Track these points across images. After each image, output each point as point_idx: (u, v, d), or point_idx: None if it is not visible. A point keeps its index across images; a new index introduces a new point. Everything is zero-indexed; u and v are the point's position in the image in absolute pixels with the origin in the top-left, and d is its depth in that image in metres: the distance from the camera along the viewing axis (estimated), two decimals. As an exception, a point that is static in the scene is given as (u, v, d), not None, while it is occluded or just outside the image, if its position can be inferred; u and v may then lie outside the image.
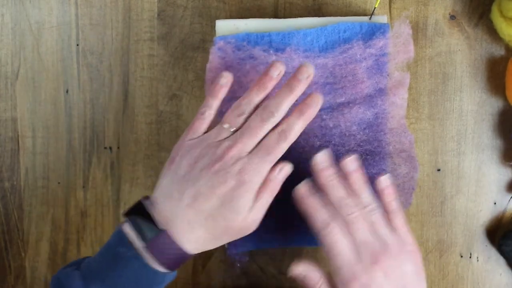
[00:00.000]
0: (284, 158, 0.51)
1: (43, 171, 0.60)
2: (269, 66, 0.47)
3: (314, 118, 0.51)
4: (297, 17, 0.54)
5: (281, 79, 0.47)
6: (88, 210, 0.60)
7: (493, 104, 0.57)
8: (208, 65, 0.52)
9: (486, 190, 0.57)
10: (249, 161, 0.44)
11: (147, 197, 0.46)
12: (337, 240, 0.45)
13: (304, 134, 0.52)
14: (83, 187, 0.60)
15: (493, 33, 0.55)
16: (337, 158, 0.53)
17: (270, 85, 0.47)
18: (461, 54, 0.56)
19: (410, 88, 0.55)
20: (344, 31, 0.51)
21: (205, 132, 0.47)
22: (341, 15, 0.56)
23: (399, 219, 0.48)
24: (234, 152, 0.44)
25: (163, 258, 0.44)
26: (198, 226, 0.44)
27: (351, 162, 0.47)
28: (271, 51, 0.52)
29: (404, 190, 0.54)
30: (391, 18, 0.56)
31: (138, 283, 0.44)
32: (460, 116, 0.57)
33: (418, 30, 0.56)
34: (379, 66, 0.51)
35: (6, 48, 0.59)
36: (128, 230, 0.45)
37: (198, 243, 0.45)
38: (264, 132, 0.45)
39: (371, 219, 0.46)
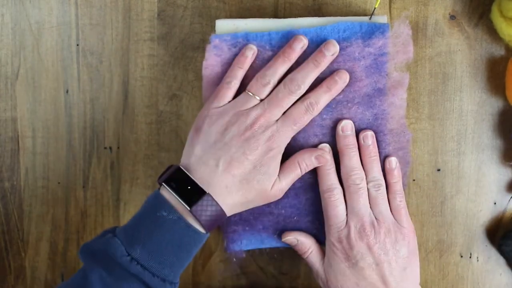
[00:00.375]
0: (284, 156, 0.52)
1: (43, 171, 0.60)
2: (293, 38, 0.50)
3: (314, 117, 0.52)
4: (297, 17, 0.54)
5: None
6: (88, 210, 0.60)
7: (493, 104, 0.57)
8: (204, 63, 0.52)
9: (486, 190, 0.57)
10: (278, 130, 0.48)
11: (177, 166, 0.48)
12: (337, 204, 0.50)
13: (303, 133, 0.52)
14: (83, 187, 0.60)
15: (493, 33, 0.55)
16: (337, 155, 0.53)
17: (293, 56, 0.50)
18: (461, 54, 0.56)
19: (410, 88, 0.55)
20: (344, 31, 0.51)
21: (230, 101, 0.50)
22: (341, 15, 0.56)
23: (399, 201, 0.51)
24: (262, 121, 0.48)
25: (205, 220, 0.46)
26: (235, 190, 0.48)
27: (369, 137, 0.51)
28: (267, 47, 0.52)
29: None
30: (391, 18, 0.56)
31: (180, 245, 0.46)
32: (460, 116, 0.57)
33: (418, 30, 0.56)
34: (378, 66, 0.51)
35: (6, 48, 0.59)
36: (168, 194, 0.47)
37: (234, 205, 0.48)
38: (291, 103, 0.49)
39: (374, 194, 0.50)
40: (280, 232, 0.54)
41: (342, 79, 0.50)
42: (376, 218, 0.50)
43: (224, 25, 0.53)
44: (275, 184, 0.49)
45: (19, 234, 0.61)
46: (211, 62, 0.52)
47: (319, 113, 0.52)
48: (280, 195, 0.50)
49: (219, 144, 0.48)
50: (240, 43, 0.52)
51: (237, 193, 0.48)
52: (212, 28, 0.56)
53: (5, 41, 0.59)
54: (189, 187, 0.47)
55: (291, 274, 0.60)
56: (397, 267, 0.49)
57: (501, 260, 0.58)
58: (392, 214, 0.51)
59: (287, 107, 0.49)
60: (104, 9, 0.58)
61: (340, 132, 0.51)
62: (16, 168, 0.60)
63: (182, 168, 0.48)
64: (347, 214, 0.50)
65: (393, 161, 0.51)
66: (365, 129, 0.52)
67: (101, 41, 0.58)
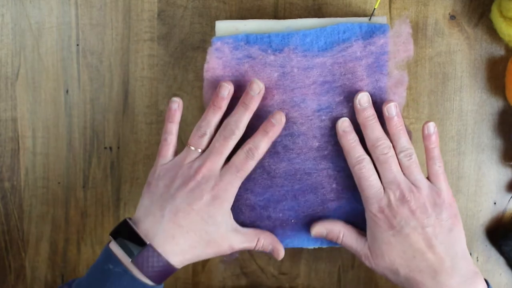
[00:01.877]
0: (283, 159, 0.52)
1: (43, 171, 0.60)
2: (218, 87, 0.51)
3: (312, 120, 0.52)
4: (297, 17, 0.54)
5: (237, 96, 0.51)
6: (88, 210, 0.60)
7: (493, 104, 0.57)
8: (205, 66, 0.52)
9: (486, 190, 0.57)
10: (222, 178, 0.48)
11: (130, 218, 0.49)
12: (369, 174, 0.49)
13: (303, 135, 0.52)
14: (83, 187, 0.60)
15: (493, 33, 0.55)
16: (337, 158, 0.53)
17: (223, 104, 0.50)
18: (461, 54, 0.56)
19: (410, 88, 0.55)
20: (344, 32, 0.51)
21: (175, 156, 0.51)
22: (341, 15, 0.56)
23: (438, 166, 0.50)
24: (204, 171, 0.48)
25: (150, 271, 0.47)
26: (182, 240, 0.48)
27: (392, 108, 0.50)
28: (269, 51, 0.52)
29: None
30: (391, 18, 0.56)
31: None
32: (460, 116, 0.57)
33: (418, 30, 0.56)
34: (379, 65, 0.51)
35: (6, 48, 0.59)
36: (115, 247, 0.48)
37: (183, 256, 0.48)
38: (230, 149, 0.49)
39: (407, 163, 0.49)
40: (280, 233, 0.54)
41: (278, 122, 0.50)
42: (413, 184, 0.49)
43: (223, 27, 0.53)
44: (227, 237, 0.49)
45: (19, 234, 0.61)
46: (213, 65, 0.52)
47: (317, 115, 0.52)
48: (229, 251, 0.50)
49: (165, 196, 0.48)
50: (241, 45, 0.52)
51: (185, 244, 0.48)
52: (212, 28, 0.56)
53: (5, 41, 0.59)
54: (132, 239, 0.47)
55: (291, 274, 0.60)
56: (441, 231, 0.48)
57: (501, 260, 0.58)
58: (430, 179, 0.50)
59: (227, 154, 0.49)
60: (104, 9, 0.58)
61: (358, 106, 0.50)
62: (16, 168, 0.60)
63: (129, 220, 0.49)
64: (382, 185, 0.49)
65: (431, 126, 0.50)
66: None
67: (101, 41, 0.58)
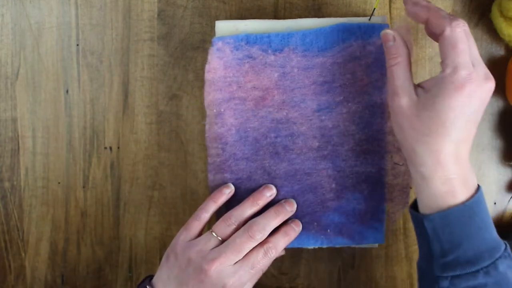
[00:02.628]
0: (283, 160, 0.51)
1: (43, 171, 0.60)
2: (264, 186, 0.53)
3: (312, 120, 0.52)
4: (297, 17, 0.54)
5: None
6: (88, 210, 0.60)
7: (493, 104, 0.57)
8: (207, 66, 0.52)
9: (486, 190, 0.57)
10: (234, 274, 0.48)
11: (151, 277, 0.52)
12: (463, 38, 0.44)
13: (302, 135, 0.52)
14: (83, 187, 0.60)
15: (493, 33, 0.55)
16: (337, 158, 0.53)
17: (262, 202, 0.52)
18: (461, 54, 0.56)
19: (410, 88, 0.55)
20: (343, 32, 0.51)
21: (199, 234, 0.52)
22: (341, 15, 0.56)
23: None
24: (217, 265, 0.48)
25: None
26: None
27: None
28: (270, 51, 0.52)
29: (403, 189, 0.54)
30: (391, 18, 0.56)
31: None
32: (460, 116, 0.57)
33: (418, 30, 0.56)
34: (378, 64, 0.51)
35: (6, 48, 0.59)
36: None
37: None
38: (249, 248, 0.49)
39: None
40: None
41: (298, 227, 0.52)
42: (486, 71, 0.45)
43: (223, 26, 0.53)
44: None
45: (19, 234, 0.61)
46: (214, 65, 0.52)
47: (317, 115, 0.52)
48: None
49: (180, 278, 0.49)
50: (242, 46, 0.52)
51: None
52: (212, 28, 0.56)
53: (5, 41, 0.59)
54: None
55: (291, 274, 0.60)
56: None
57: (501, 260, 0.58)
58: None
59: (245, 253, 0.49)
60: (104, 9, 0.58)
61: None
62: (16, 168, 0.60)
63: (148, 283, 0.51)
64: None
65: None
66: (365, 127, 0.52)
67: (101, 41, 0.58)
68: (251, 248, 0.49)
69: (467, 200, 0.44)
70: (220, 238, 0.50)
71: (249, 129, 0.53)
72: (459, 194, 0.44)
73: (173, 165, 0.59)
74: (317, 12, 0.56)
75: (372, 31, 0.51)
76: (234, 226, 0.51)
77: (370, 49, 0.51)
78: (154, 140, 0.59)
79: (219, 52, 0.52)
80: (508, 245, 0.45)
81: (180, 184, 0.59)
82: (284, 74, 0.52)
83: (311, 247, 0.55)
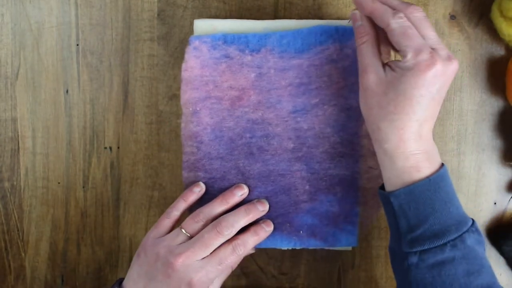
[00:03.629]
0: (258, 160, 0.52)
1: (43, 171, 0.60)
2: (236, 185, 0.53)
3: (287, 121, 0.52)
4: (297, 17, 0.54)
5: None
6: (88, 210, 0.60)
7: (493, 104, 0.57)
8: (183, 65, 0.52)
9: (486, 190, 0.57)
10: (201, 269, 0.48)
11: (121, 280, 0.52)
12: (407, 25, 0.44)
13: (277, 137, 0.52)
14: (83, 187, 0.60)
15: (493, 33, 0.55)
16: (311, 160, 0.53)
17: (232, 201, 0.52)
18: (461, 54, 0.56)
19: (410, 88, 0.55)
20: (321, 34, 0.51)
21: (170, 231, 0.52)
22: (341, 15, 0.56)
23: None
24: (184, 259, 0.48)
25: None
26: None
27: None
28: (247, 51, 0.52)
29: (376, 193, 0.53)
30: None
31: None
32: (460, 116, 0.57)
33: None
34: (355, 67, 0.51)
35: (6, 48, 0.59)
36: None
37: None
38: (217, 244, 0.49)
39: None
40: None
41: (269, 228, 0.52)
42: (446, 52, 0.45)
43: (202, 25, 0.53)
44: None
45: (19, 234, 0.61)
46: (191, 64, 0.52)
47: (293, 116, 0.52)
48: None
49: (149, 274, 0.49)
50: (219, 45, 0.52)
51: None
52: (212, 28, 0.56)
53: (5, 41, 0.59)
54: None
55: (291, 274, 0.60)
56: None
57: (501, 260, 0.58)
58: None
59: (213, 249, 0.49)
60: (104, 9, 0.58)
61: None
62: (16, 168, 0.60)
63: (117, 286, 0.51)
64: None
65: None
66: (340, 130, 0.52)
67: (101, 41, 0.58)
68: (219, 244, 0.49)
69: (432, 174, 0.44)
70: (188, 234, 0.50)
71: (224, 129, 0.53)
72: (424, 168, 0.45)
73: (173, 165, 0.59)
74: (317, 12, 0.56)
75: (350, 34, 0.51)
76: (202, 223, 0.51)
77: (347, 52, 0.51)
78: (154, 140, 0.59)
79: (196, 51, 0.52)
80: (475, 221, 0.45)
81: (180, 184, 0.59)
82: (260, 75, 0.52)
83: (284, 247, 0.55)
